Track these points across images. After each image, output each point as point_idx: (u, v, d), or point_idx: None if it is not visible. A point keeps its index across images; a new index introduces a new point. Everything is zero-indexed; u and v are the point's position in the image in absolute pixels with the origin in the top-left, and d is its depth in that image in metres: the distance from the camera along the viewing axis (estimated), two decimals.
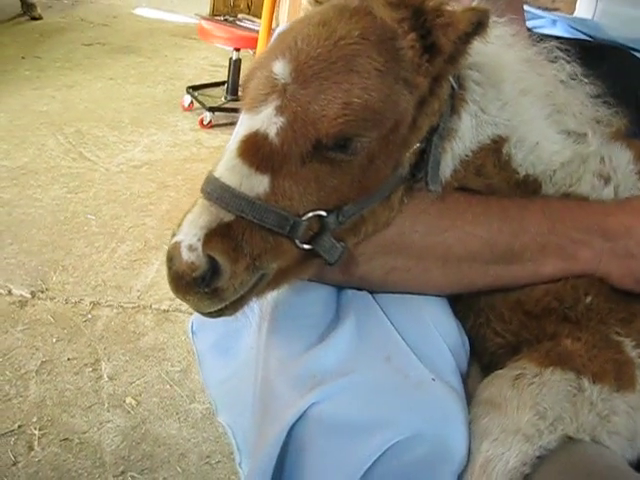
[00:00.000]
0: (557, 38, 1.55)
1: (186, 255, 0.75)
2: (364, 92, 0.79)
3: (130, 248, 2.77)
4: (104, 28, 5.90)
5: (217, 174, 0.78)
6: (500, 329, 0.98)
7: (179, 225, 0.78)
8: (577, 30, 1.75)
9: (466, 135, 0.94)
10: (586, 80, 1.08)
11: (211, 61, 5.30)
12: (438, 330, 0.91)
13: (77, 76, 4.57)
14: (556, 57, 1.07)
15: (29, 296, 2.40)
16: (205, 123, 4.04)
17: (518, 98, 0.98)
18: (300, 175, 0.79)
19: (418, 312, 0.93)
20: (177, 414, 1.99)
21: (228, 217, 0.77)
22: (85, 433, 1.87)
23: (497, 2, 1.08)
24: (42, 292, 2.43)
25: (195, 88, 4.34)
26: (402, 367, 0.82)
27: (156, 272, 2.61)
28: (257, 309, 0.88)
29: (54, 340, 2.20)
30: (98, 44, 5.38)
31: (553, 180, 1.01)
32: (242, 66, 4.17)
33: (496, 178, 0.98)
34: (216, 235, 0.76)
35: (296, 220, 0.79)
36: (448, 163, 0.93)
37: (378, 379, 0.80)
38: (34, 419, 1.89)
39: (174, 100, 4.39)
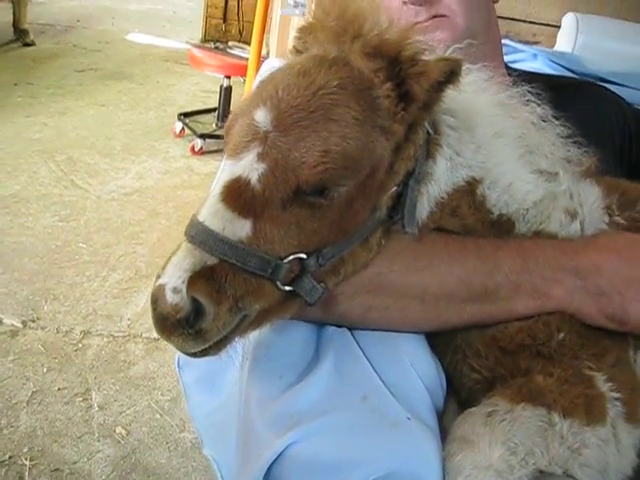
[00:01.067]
0: (534, 74, 1.61)
1: (170, 297, 0.77)
2: (342, 140, 0.82)
3: (121, 277, 2.79)
4: (96, 54, 5.98)
5: (201, 218, 0.81)
6: (476, 365, 1.00)
7: (163, 268, 0.81)
8: (557, 64, 1.81)
9: (441, 178, 0.97)
10: (557, 122, 1.12)
11: (202, 87, 5.37)
12: (415, 368, 0.94)
13: (69, 102, 4.64)
14: (528, 100, 1.11)
15: (20, 326, 2.42)
16: (196, 150, 4.09)
17: (492, 141, 1.02)
18: (281, 219, 0.82)
19: (396, 351, 0.96)
20: (167, 443, 2.01)
21: (211, 260, 0.79)
22: (75, 463, 1.89)
23: (470, 49, 1.13)
24: (33, 321, 2.45)
25: (186, 115, 4.40)
26: (378, 406, 0.85)
27: (146, 300, 2.60)
28: (240, 347, 0.91)
29: (45, 370, 2.23)
30: (90, 70, 5.45)
31: (526, 219, 1.04)
32: (233, 93, 4.24)
33: (471, 218, 1.01)
34: (200, 278, 0.78)
35: (278, 263, 0.81)
36: (424, 205, 0.96)
37: (354, 419, 0.83)
38: (25, 449, 1.91)
39: (166, 127, 4.45)
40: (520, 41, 1.97)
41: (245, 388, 0.95)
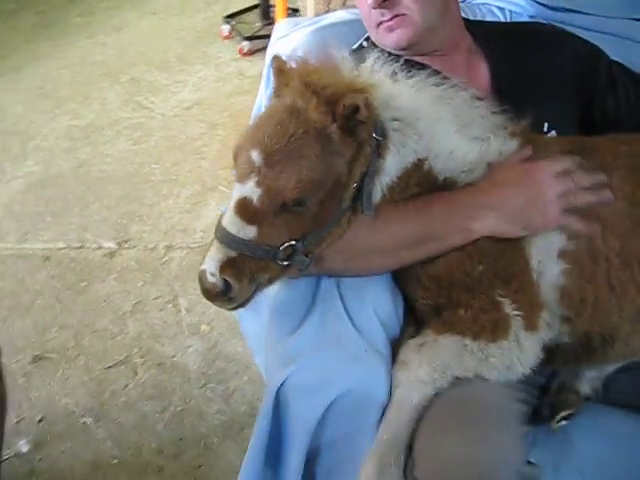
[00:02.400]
0: (497, 25, 1.86)
1: (210, 278, 1.21)
2: (309, 171, 1.21)
3: (190, 192, 3.29)
4: None
5: (224, 224, 1.23)
6: (423, 294, 1.42)
7: (204, 257, 1.27)
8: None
9: (392, 169, 1.34)
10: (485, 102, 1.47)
11: None
12: (376, 310, 1.37)
13: (124, 16, 4.96)
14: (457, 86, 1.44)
15: (116, 247, 2.98)
16: (245, 52, 4.39)
17: (432, 126, 1.37)
18: (275, 223, 1.23)
19: (363, 297, 1.38)
20: (241, 335, 2.56)
21: (233, 253, 1.22)
22: (174, 357, 2.48)
23: (432, 36, 1.55)
24: (125, 242, 3.00)
25: (231, 16, 4.65)
26: (346, 344, 1.30)
27: (214, 212, 3.13)
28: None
29: (140, 284, 2.80)
30: None
31: (464, 177, 1.40)
32: None
33: (418, 188, 1.38)
34: (227, 265, 1.21)
35: (276, 250, 1.23)
36: (378, 192, 1.34)
37: (329, 355, 1.28)
38: (135, 350, 2.51)
39: (215, 29, 4.73)
40: None
41: (266, 327, 1.43)
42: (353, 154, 1.27)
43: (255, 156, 1.22)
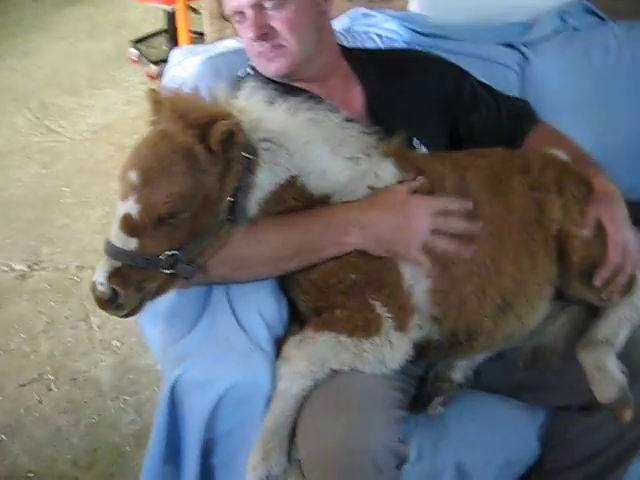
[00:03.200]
0: (369, 52, 2.03)
1: (99, 287, 1.32)
2: (178, 186, 1.33)
3: (101, 213, 3.37)
4: None
5: (110, 238, 1.34)
6: (304, 298, 1.55)
7: (95, 270, 1.38)
8: (406, 27, 2.25)
9: (265, 184, 1.45)
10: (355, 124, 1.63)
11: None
12: (261, 312, 1.51)
13: (32, 40, 4.98)
14: (329, 109, 1.59)
15: (27, 269, 3.04)
16: (153, 75, 4.49)
17: (303, 147, 1.50)
18: (154, 235, 1.34)
19: (249, 301, 1.52)
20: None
21: (118, 264, 1.32)
22: (86, 372, 2.57)
23: (309, 64, 1.69)
24: (36, 264, 3.06)
25: (139, 41, 4.75)
26: (234, 344, 1.45)
27: None
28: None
29: (52, 304, 2.87)
30: None
31: (340, 195, 1.54)
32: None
33: (293, 202, 1.52)
34: (113, 275, 1.32)
35: (157, 260, 1.34)
36: (253, 205, 1.45)
37: (218, 354, 1.43)
38: (48, 368, 2.59)
39: (122, 53, 4.81)
40: (373, 8, 2.36)
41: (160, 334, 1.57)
42: (222, 171, 1.38)
43: (133, 176, 1.34)
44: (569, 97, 2.23)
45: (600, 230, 1.62)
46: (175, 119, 1.37)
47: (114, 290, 1.32)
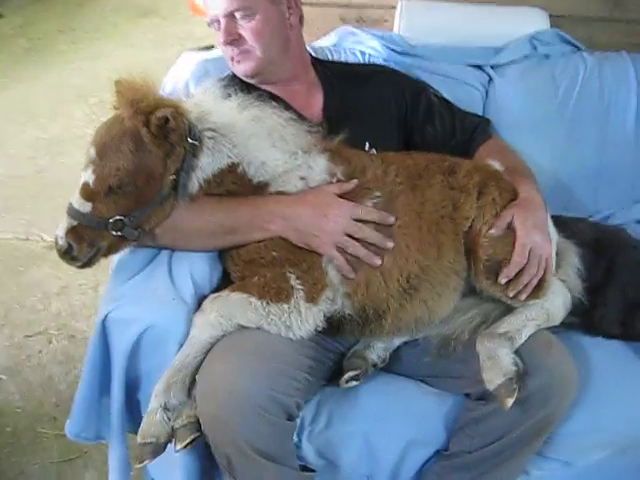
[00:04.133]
0: (341, 65, 2.26)
1: (59, 241, 1.64)
2: (125, 162, 1.61)
3: None
4: None
5: (72, 201, 1.65)
6: (234, 269, 1.79)
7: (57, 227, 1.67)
8: (386, 46, 2.48)
9: (207, 167, 1.70)
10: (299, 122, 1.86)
11: None
12: (192, 274, 1.73)
13: (103, 46, 5.45)
14: (275, 109, 1.83)
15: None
16: None
17: (247, 140, 1.75)
18: (105, 201, 1.63)
19: (185, 264, 1.76)
20: None
21: (75, 223, 1.63)
22: (85, 332, 2.88)
23: (272, 68, 1.95)
24: None
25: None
26: (160, 293, 1.69)
27: None
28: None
29: (70, 272, 3.18)
30: (124, 8, 6.16)
31: (276, 183, 1.78)
32: None
33: (233, 186, 1.75)
34: (70, 232, 1.62)
35: (106, 222, 1.63)
36: (194, 184, 1.69)
37: (144, 299, 1.68)
38: (53, 324, 2.93)
39: None
40: (369, 23, 2.61)
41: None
42: (165, 152, 1.65)
43: (92, 151, 1.64)
44: (529, 117, 2.41)
45: (511, 232, 1.79)
46: (128, 106, 1.65)
47: (69, 244, 1.62)
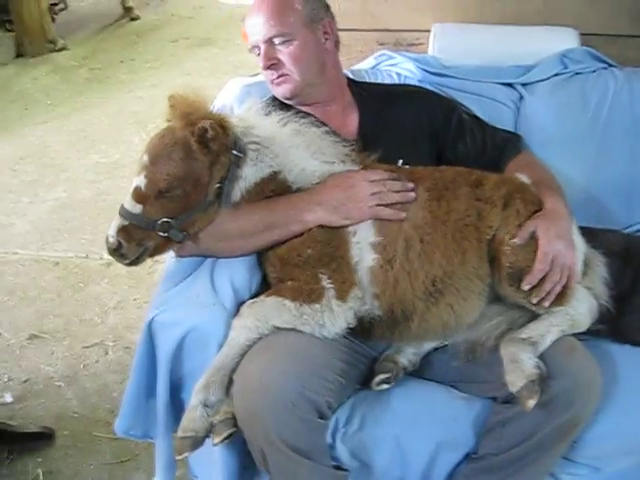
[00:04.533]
0: (378, 85, 2.38)
1: (110, 239, 1.78)
2: (174, 169, 1.75)
3: None
4: (189, 21, 6.97)
5: (124, 203, 1.80)
6: (271, 270, 1.87)
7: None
8: (421, 68, 2.59)
9: (250, 177, 1.84)
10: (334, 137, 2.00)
11: None
12: (232, 280, 1.84)
13: (162, 74, 5.73)
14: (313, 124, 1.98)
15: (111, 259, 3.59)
16: None
17: (287, 150, 1.89)
18: (155, 204, 1.77)
19: (225, 271, 1.88)
20: None
21: (126, 223, 1.78)
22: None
23: (310, 90, 2.08)
24: None
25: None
26: (202, 299, 1.81)
27: None
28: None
29: (126, 287, 3.40)
30: (183, 39, 6.48)
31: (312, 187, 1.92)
32: None
33: (273, 193, 1.86)
34: (121, 230, 1.77)
35: (154, 223, 1.77)
36: (237, 193, 1.82)
37: (188, 303, 1.81)
38: (110, 336, 3.10)
39: None
40: (405, 46, 2.74)
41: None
42: (211, 162, 1.79)
43: (144, 158, 1.79)
44: (560, 132, 2.45)
45: (534, 241, 1.86)
46: (180, 118, 1.81)
47: (119, 242, 1.77)
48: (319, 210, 1.84)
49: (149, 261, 3.46)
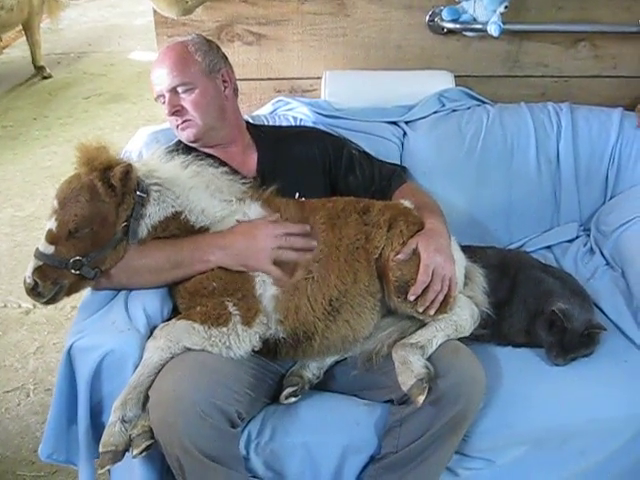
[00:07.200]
0: (272, 127, 2.62)
1: (27, 279, 1.90)
2: (81, 209, 1.87)
3: None
4: (101, 78, 7.05)
5: (38, 245, 1.92)
6: (181, 301, 2.00)
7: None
8: (314, 111, 2.84)
9: (154, 215, 1.95)
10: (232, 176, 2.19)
11: None
12: (145, 308, 1.98)
13: (75, 130, 5.82)
14: (212, 165, 2.17)
15: (32, 307, 3.67)
16: None
17: (188, 192, 2.05)
18: (66, 244, 1.88)
19: (138, 299, 2.01)
20: None
21: (40, 263, 1.89)
22: None
23: (212, 134, 2.28)
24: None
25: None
26: (117, 325, 1.94)
27: None
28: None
29: (45, 333, 3.46)
30: (95, 95, 6.57)
31: (216, 227, 2.07)
32: None
33: (177, 231, 2.03)
34: (36, 271, 1.89)
35: (67, 262, 1.90)
36: (143, 229, 1.93)
37: (104, 330, 1.94)
38: (30, 380, 3.15)
39: None
40: (300, 92, 3.00)
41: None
42: (117, 202, 1.95)
43: (55, 203, 1.94)
44: (440, 164, 2.76)
45: (416, 257, 2.09)
46: (85, 164, 1.97)
47: (35, 282, 1.90)
48: (220, 254, 1.99)
49: (67, 307, 3.67)
